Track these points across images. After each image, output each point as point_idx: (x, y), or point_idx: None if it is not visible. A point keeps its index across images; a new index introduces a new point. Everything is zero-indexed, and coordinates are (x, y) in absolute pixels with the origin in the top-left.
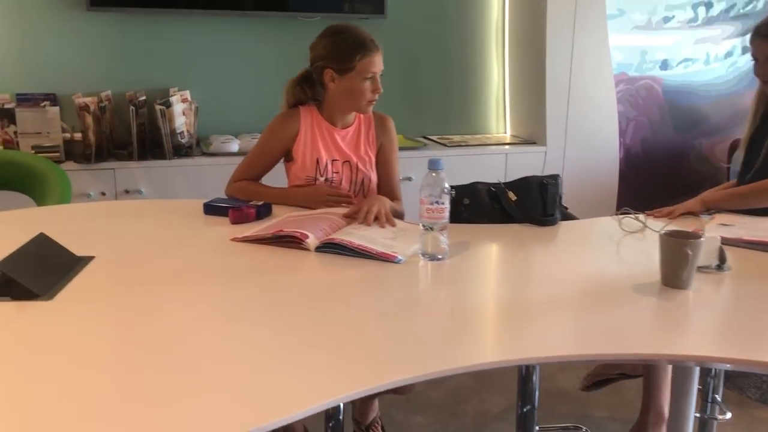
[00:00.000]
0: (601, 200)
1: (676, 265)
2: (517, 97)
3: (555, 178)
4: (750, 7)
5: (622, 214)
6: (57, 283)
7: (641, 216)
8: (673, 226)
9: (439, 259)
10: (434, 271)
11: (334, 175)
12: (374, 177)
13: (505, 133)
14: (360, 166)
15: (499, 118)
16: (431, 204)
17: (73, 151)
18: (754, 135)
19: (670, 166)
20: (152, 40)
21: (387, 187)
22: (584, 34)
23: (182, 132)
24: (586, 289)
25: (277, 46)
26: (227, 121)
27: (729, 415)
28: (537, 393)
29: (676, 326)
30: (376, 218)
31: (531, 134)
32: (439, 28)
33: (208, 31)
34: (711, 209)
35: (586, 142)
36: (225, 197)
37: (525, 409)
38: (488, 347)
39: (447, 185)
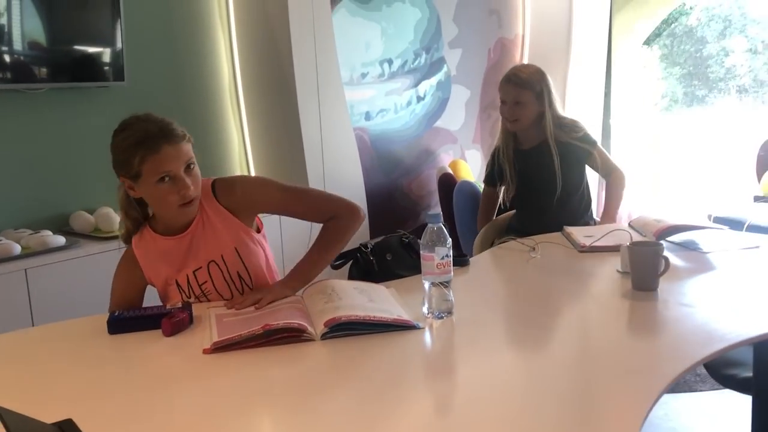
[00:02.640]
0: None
1: (650, 270)
2: (267, 156)
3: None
4: (416, 63)
5: (504, 241)
6: None
7: (527, 241)
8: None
9: (448, 315)
10: (460, 329)
11: (204, 285)
12: (256, 259)
13: None
14: (226, 258)
15: None
16: (441, 259)
17: None
18: (520, 169)
19: (384, 207)
20: None
21: (311, 217)
22: (327, 94)
23: None
24: (587, 311)
25: None
26: None
27: None
28: None
29: (720, 316)
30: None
31: None
32: (179, 94)
33: None
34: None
35: (341, 192)
36: (119, 312)
37: None
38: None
39: (448, 236)
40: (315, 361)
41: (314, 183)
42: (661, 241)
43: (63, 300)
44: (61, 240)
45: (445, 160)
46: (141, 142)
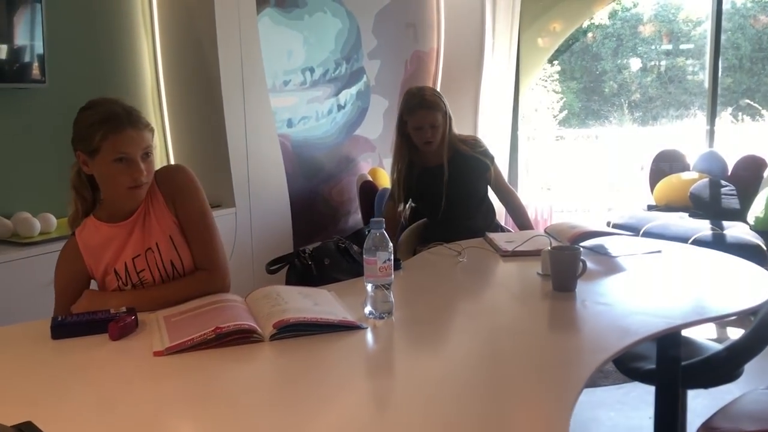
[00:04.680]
0: (282, 246)
1: (569, 272)
2: (192, 160)
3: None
4: (337, 72)
5: (432, 247)
6: None
7: (454, 246)
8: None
9: (388, 316)
10: (400, 329)
11: (142, 273)
12: (187, 251)
13: None
14: (161, 246)
15: None
16: (384, 262)
17: None
18: (428, 185)
19: (304, 212)
20: None
21: (198, 256)
22: (252, 99)
23: None
24: (513, 310)
25: None
26: None
27: None
28: None
29: (640, 310)
30: None
31: (214, 197)
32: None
33: None
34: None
35: (265, 198)
36: (62, 317)
37: None
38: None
39: (391, 244)
40: (265, 361)
41: (239, 188)
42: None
43: None
44: None
45: (365, 168)
46: (106, 121)
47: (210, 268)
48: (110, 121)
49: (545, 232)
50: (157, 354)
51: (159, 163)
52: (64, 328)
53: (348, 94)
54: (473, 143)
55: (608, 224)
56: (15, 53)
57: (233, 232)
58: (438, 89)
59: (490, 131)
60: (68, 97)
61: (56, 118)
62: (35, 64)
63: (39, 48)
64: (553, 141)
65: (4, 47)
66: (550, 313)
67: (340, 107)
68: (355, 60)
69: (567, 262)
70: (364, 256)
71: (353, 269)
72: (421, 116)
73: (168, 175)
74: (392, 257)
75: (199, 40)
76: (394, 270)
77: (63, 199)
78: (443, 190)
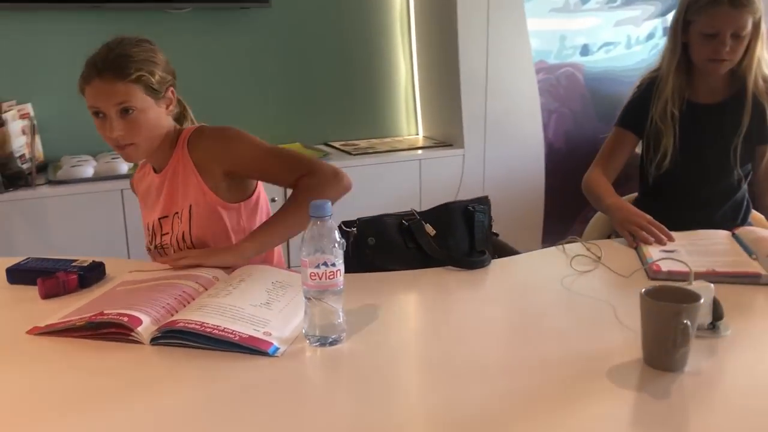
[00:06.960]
0: (527, 205)
1: (665, 338)
2: (429, 93)
3: (483, 202)
4: None
5: (568, 242)
6: None
7: (593, 248)
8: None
9: (332, 343)
10: (327, 369)
11: (165, 236)
12: (208, 229)
13: (418, 134)
14: (182, 215)
15: (410, 118)
16: (317, 267)
17: None
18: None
19: (585, 161)
20: None
21: (283, 176)
22: (500, 18)
23: (23, 155)
24: (542, 378)
25: None
26: (82, 138)
27: None
28: None
29: None
30: None
31: (446, 135)
32: (334, 18)
33: (54, 30)
34: None
35: (508, 141)
36: (35, 259)
37: None
38: None
39: (338, 237)
40: (126, 369)
41: (471, 126)
42: (701, 293)
43: None
44: None
45: None
46: (85, 66)
47: (310, 172)
48: (87, 68)
49: (732, 234)
50: (30, 331)
51: (404, 90)
52: (19, 274)
53: None
54: None
55: None
56: None
57: (458, 178)
58: None
59: None
60: (290, 18)
61: (278, 40)
62: None
63: None
64: None
65: None
66: (611, 412)
67: (666, 31)
68: None
69: (659, 322)
70: (300, 253)
71: (411, 258)
72: (721, 16)
73: (196, 142)
74: (338, 261)
75: None
76: (477, 267)
77: (283, 122)
78: (714, 149)
